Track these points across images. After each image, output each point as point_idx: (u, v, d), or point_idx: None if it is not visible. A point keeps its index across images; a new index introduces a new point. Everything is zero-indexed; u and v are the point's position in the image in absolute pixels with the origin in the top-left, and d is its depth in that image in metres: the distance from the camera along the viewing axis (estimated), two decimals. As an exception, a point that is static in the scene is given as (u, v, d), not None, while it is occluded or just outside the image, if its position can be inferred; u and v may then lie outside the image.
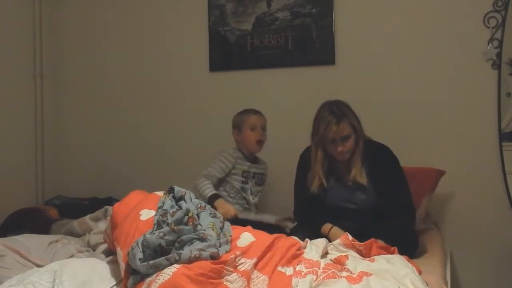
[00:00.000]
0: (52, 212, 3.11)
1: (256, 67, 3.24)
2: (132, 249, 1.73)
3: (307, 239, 2.04)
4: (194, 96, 3.36)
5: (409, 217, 2.33)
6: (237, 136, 2.82)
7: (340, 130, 2.28)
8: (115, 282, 1.80)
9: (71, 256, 2.13)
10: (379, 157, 2.36)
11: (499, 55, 2.82)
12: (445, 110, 2.94)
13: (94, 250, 2.24)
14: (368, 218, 2.27)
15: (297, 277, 1.72)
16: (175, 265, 1.63)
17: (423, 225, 2.69)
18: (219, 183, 2.75)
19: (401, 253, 2.02)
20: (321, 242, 2.01)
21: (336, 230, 2.27)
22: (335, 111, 2.30)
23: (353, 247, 2.03)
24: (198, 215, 1.91)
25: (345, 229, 2.20)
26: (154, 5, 3.42)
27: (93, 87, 3.55)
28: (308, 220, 2.41)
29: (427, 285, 1.76)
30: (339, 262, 1.88)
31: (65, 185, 3.54)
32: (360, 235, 2.10)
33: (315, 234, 2.23)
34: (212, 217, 1.93)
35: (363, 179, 2.31)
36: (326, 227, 2.30)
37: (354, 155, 2.34)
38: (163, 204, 1.95)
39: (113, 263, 1.91)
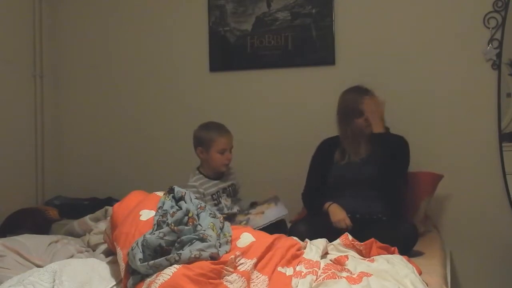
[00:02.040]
0: (52, 213, 3.12)
1: (256, 67, 3.23)
2: (132, 249, 1.73)
3: (307, 240, 2.04)
4: (194, 97, 3.36)
5: (395, 185, 2.52)
6: (202, 155, 2.61)
7: (375, 97, 2.61)
8: (115, 283, 1.80)
9: (71, 256, 2.13)
10: (396, 142, 2.58)
11: (499, 55, 2.82)
12: (445, 110, 2.94)
13: (94, 251, 2.24)
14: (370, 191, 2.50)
15: (297, 278, 1.72)
16: (175, 266, 1.63)
17: (423, 228, 2.69)
18: None
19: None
20: (321, 242, 2.01)
21: (334, 207, 2.47)
22: (362, 89, 2.63)
23: (353, 247, 2.03)
24: (198, 215, 1.92)
25: (352, 201, 2.48)
26: (154, 5, 3.42)
27: (93, 87, 3.55)
28: (314, 201, 2.61)
29: (427, 285, 1.76)
30: (339, 263, 1.88)
31: (65, 186, 3.54)
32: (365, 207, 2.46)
33: (317, 216, 2.49)
34: (212, 217, 1.94)
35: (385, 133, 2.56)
36: (326, 204, 2.50)
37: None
38: (163, 204, 1.95)
39: (113, 264, 1.92)
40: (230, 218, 2.54)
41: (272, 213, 2.50)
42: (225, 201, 2.62)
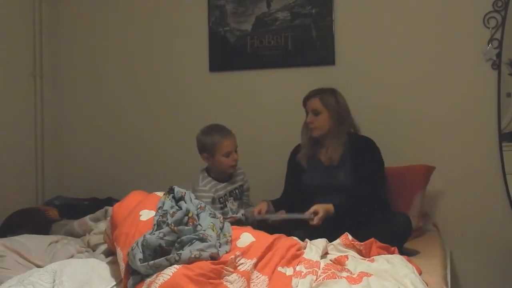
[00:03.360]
0: (52, 213, 3.12)
1: (256, 67, 3.23)
2: (132, 249, 1.73)
3: (307, 240, 2.04)
4: (194, 97, 3.36)
5: (365, 199, 2.42)
6: (208, 160, 2.59)
7: (311, 103, 2.58)
8: (115, 283, 1.80)
9: (71, 257, 2.13)
10: (364, 146, 2.53)
11: (499, 55, 2.82)
12: (445, 110, 2.94)
13: (94, 251, 2.24)
14: (342, 197, 2.40)
15: (297, 278, 1.71)
16: (175, 266, 1.63)
17: (420, 222, 2.69)
18: None
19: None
20: (321, 242, 2.01)
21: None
22: (315, 89, 2.60)
23: (353, 247, 2.02)
24: (198, 215, 1.92)
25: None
26: (154, 5, 3.42)
27: (93, 87, 3.55)
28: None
29: (427, 285, 1.76)
30: (339, 263, 1.88)
31: (65, 186, 3.54)
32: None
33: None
34: (212, 217, 1.94)
35: (335, 160, 2.51)
36: None
37: (329, 135, 2.54)
38: (163, 204, 1.95)
39: (113, 264, 1.92)
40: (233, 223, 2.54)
41: (295, 215, 2.42)
42: (231, 205, 2.61)
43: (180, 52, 3.38)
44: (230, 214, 2.57)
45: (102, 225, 2.38)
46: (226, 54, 3.28)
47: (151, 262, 1.67)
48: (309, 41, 3.13)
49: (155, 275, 1.63)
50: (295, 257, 1.86)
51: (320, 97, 2.57)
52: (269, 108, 3.23)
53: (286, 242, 1.94)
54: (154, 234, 1.76)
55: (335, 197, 2.40)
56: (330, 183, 2.51)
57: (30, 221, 2.97)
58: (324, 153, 2.60)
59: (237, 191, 2.66)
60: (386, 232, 2.12)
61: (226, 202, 2.60)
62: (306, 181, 2.60)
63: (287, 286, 1.69)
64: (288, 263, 1.82)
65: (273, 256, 1.82)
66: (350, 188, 2.45)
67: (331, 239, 2.08)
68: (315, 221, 2.28)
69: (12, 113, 3.26)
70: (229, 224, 2.00)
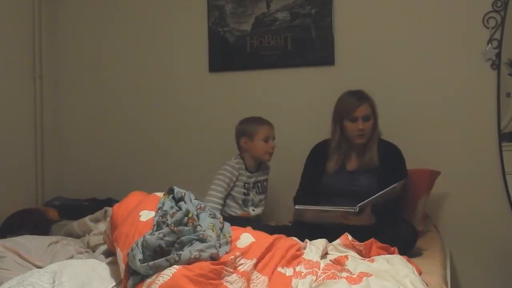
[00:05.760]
0: (52, 213, 3.12)
1: (255, 67, 3.23)
2: (132, 250, 1.73)
3: (306, 240, 2.04)
4: (194, 97, 3.36)
5: (394, 211, 2.43)
6: (246, 144, 2.67)
7: (363, 108, 2.48)
8: (115, 283, 1.80)
9: (71, 257, 2.13)
10: (393, 154, 2.53)
11: (498, 55, 2.82)
12: (444, 110, 2.94)
13: (93, 251, 2.24)
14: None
15: (297, 278, 1.72)
16: (175, 266, 1.64)
17: (422, 226, 2.69)
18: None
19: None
20: (320, 242, 2.01)
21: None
22: (358, 94, 2.52)
23: (353, 247, 2.03)
24: (198, 215, 1.92)
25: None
26: (153, 6, 3.42)
27: (93, 87, 3.55)
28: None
29: (427, 285, 1.76)
30: (339, 263, 1.88)
31: (65, 186, 3.54)
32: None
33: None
34: (212, 217, 1.94)
35: (374, 163, 2.47)
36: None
37: (371, 140, 2.51)
38: (163, 205, 1.95)
39: (113, 264, 1.92)
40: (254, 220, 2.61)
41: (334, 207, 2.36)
42: (254, 197, 2.69)
43: (180, 53, 3.38)
44: (250, 204, 2.65)
45: (102, 226, 2.38)
46: (226, 54, 3.28)
47: (151, 262, 1.67)
48: (308, 41, 3.13)
49: (155, 276, 1.63)
50: (295, 258, 1.86)
51: (370, 103, 2.51)
52: (269, 108, 3.22)
53: (286, 242, 1.94)
54: (154, 234, 1.76)
55: (355, 202, 2.30)
56: (353, 188, 2.45)
57: (30, 221, 2.97)
58: (354, 158, 2.55)
59: (260, 184, 2.74)
60: (391, 242, 2.09)
61: (250, 192, 2.67)
62: (328, 183, 2.53)
63: (287, 286, 1.69)
64: (288, 263, 1.82)
65: (273, 256, 1.83)
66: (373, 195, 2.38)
67: (331, 239, 2.08)
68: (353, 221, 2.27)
69: (12, 113, 3.26)
70: (229, 225, 2.00)
